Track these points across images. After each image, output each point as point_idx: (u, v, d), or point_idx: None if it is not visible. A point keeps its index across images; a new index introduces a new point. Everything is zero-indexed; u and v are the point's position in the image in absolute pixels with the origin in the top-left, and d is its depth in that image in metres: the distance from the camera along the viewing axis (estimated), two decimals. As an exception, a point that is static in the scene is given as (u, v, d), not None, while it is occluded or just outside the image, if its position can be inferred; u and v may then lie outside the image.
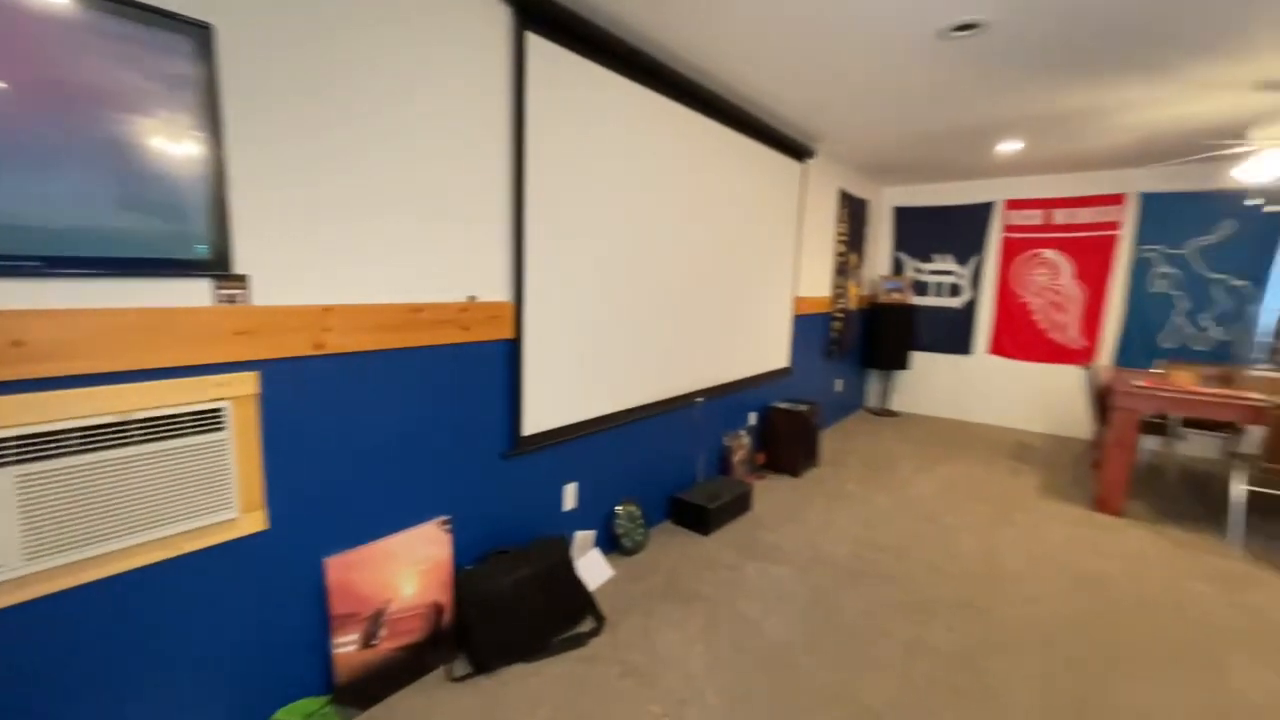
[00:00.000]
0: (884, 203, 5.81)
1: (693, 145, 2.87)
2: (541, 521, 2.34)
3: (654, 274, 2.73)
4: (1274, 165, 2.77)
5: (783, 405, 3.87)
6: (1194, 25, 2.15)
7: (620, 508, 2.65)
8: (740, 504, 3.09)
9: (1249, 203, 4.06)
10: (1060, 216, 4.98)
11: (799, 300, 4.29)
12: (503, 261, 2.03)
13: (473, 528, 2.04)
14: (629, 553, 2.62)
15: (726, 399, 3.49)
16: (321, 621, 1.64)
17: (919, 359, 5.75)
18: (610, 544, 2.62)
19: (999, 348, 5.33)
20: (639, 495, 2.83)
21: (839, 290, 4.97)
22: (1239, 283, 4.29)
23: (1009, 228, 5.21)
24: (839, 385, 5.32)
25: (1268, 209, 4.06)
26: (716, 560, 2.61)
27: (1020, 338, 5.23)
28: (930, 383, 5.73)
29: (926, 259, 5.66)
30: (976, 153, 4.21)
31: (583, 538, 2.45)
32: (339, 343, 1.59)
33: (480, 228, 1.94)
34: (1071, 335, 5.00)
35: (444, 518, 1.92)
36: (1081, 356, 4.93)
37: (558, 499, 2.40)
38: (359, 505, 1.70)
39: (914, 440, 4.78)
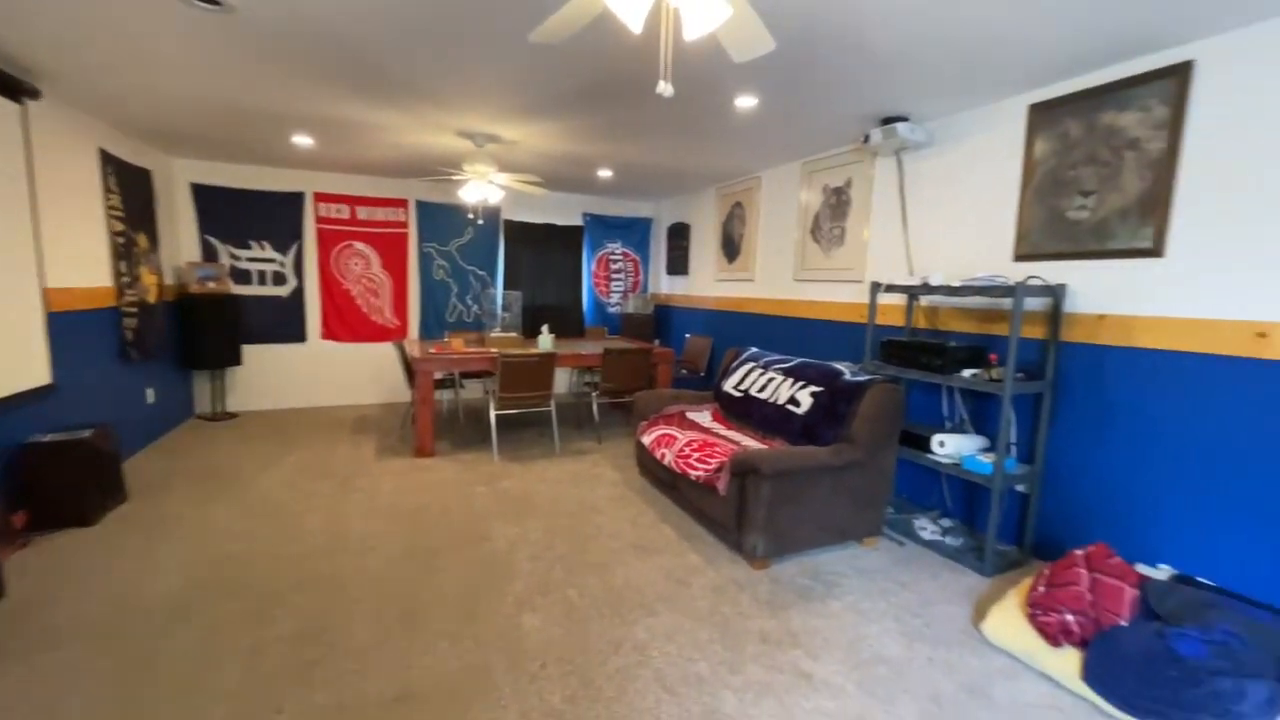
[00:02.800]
0: (177, 177, 5.00)
1: None
2: None
3: None
4: (478, 192, 4.06)
5: (48, 438, 2.85)
6: (417, 77, 2.84)
7: None
8: (-20, 595, 2.13)
9: (470, 216, 5.82)
10: (363, 213, 5.67)
11: (56, 292, 3.19)
12: None
13: None
14: None
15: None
16: None
17: (252, 352, 5.40)
18: None
19: (330, 333, 5.66)
20: None
21: (128, 279, 3.99)
22: (481, 273, 6.15)
23: (322, 219, 5.52)
24: (151, 395, 4.35)
25: (480, 222, 5.95)
26: (-65, 694, 1.72)
27: (347, 321, 5.72)
28: (269, 375, 5.51)
29: (244, 245, 5.29)
30: (276, 140, 4.20)
31: None
32: None
33: None
34: (387, 316, 5.88)
35: None
36: (396, 334, 5.89)
37: None
38: None
39: (257, 438, 4.52)
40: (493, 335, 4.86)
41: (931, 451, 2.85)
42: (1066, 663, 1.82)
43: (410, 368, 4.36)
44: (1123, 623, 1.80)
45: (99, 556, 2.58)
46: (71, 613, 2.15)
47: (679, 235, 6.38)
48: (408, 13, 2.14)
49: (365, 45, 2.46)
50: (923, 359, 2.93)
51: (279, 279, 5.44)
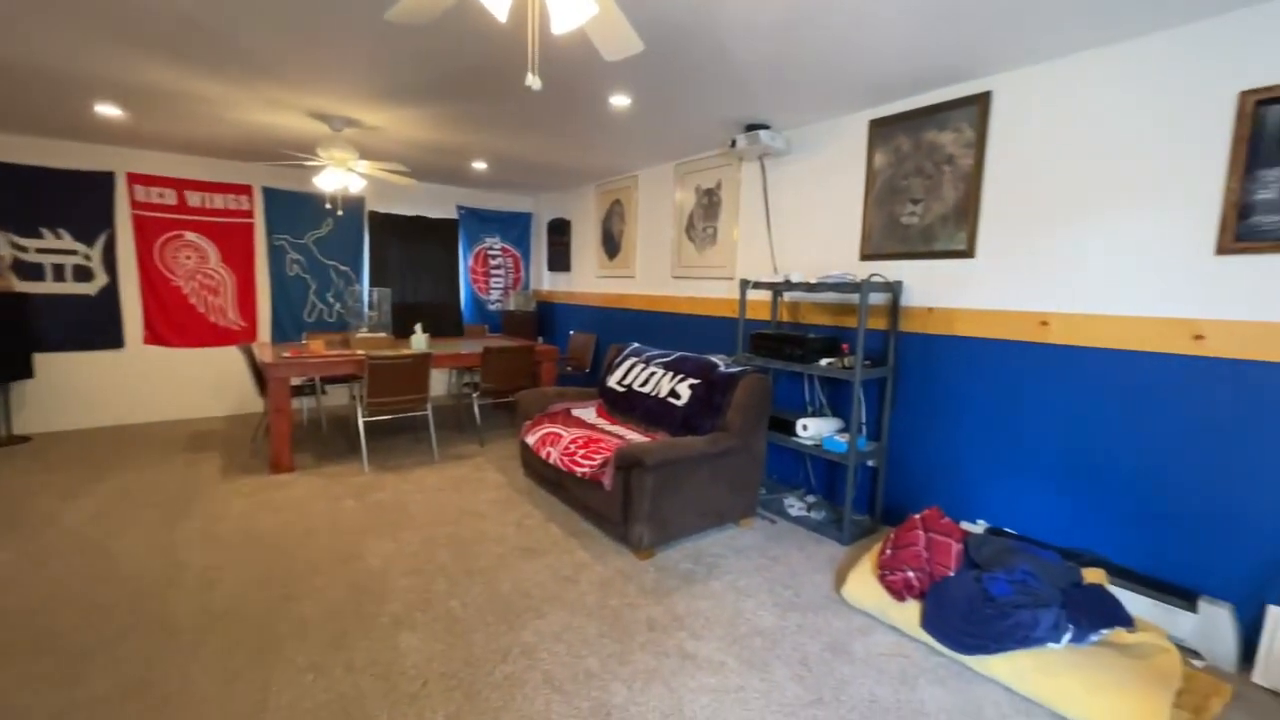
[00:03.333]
0: (-74, 147, 4.02)
1: None
2: None
3: None
4: (335, 179, 3.71)
5: None
6: (258, 48, 2.52)
7: None
8: None
9: (328, 207, 5.33)
10: (195, 199, 4.95)
11: None
12: None
13: None
14: None
15: None
16: None
17: (50, 362, 4.51)
18: None
19: (156, 336, 4.89)
20: None
21: None
22: (344, 268, 5.65)
23: (140, 205, 4.74)
24: (-104, 421, 3.47)
25: (340, 214, 5.46)
26: None
27: (178, 324, 4.98)
28: (74, 389, 4.64)
29: (32, 233, 4.39)
30: (74, 109, 3.52)
31: None
32: None
33: None
34: (231, 317, 5.20)
35: None
36: (243, 336, 5.23)
37: None
38: None
39: (59, 465, 3.79)
40: (359, 336, 4.49)
41: (796, 435, 3.10)
42: (909, 614, 2.08)
43: (261, 374, 3.90)
44: (950, 574, 2.09)
45: None
46: None
47: (560, 231, 6.33)
48: (240, -24, 1.90)
49: (183, 5, 2.14)
50: (787, 350, 3.18)
51: (83, 274, 4.59)
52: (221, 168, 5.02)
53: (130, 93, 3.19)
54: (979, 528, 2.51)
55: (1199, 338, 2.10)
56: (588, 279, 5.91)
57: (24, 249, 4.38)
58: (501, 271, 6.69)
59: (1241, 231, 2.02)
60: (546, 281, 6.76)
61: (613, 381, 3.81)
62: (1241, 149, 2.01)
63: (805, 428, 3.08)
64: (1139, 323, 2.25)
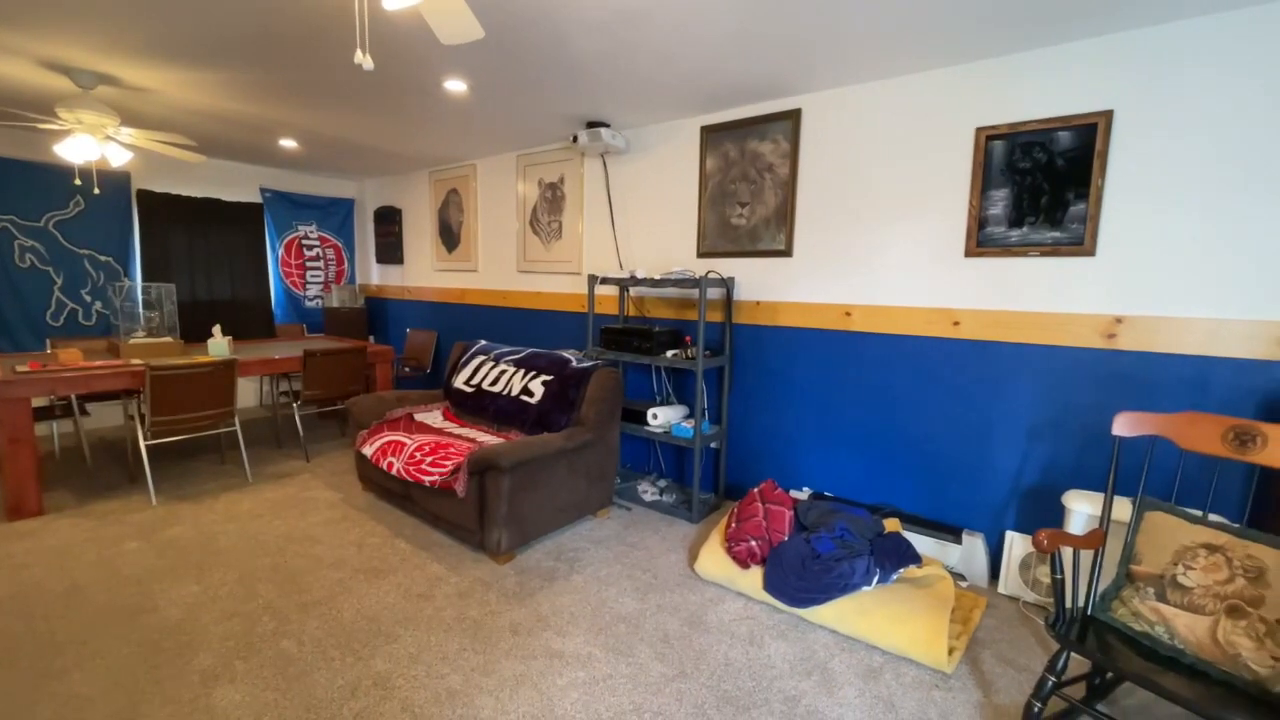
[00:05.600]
0: None
1: None
2: None
3: None
4: (86, 149, 2.99)
5: None
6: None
7: None
8: None
9: (78, 183, 4.29)
10: None
11: None
12: None
13: None
14: None
15: None
16: None
17: None
18: None
19: None
20: None
21: None
22: (103, 258, 4.59)
23: None
24: None
25: (96, 192, 4.43)
26: None
27: None
28: None
29: None
30: None
31: None
32: None
33: None
34: (-75, 322, 3.95)
35: None
36: (-51, 347, 4.01)
37: None
38: None
39: None
40: (133, 342, 3.69)
41: (648, 424, 3.24)
42: (753, 580, 2.30)
43: (-18, 396, 3.03)
44: (785, 538, 2.36)
45: None
46: None
47: (388, 220, 5.81)
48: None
49: None
50: (635, 343, 3.30)
51: None
52: (-103, 123, 3.76)
53: None
54: (805, 494, 2.86)
55: (956, 324, 2.61)
56: (424, 272, 5.53)
57: None
58: (320, 264, 5.96)
59: (981, 239, 2.54)
60: (375, 275, 6.18)
61: (459, 382, 3.62)
62: (979, 173, 2.52)
63: (655, 417, 3.22)
64: (916, 312, 2.72)
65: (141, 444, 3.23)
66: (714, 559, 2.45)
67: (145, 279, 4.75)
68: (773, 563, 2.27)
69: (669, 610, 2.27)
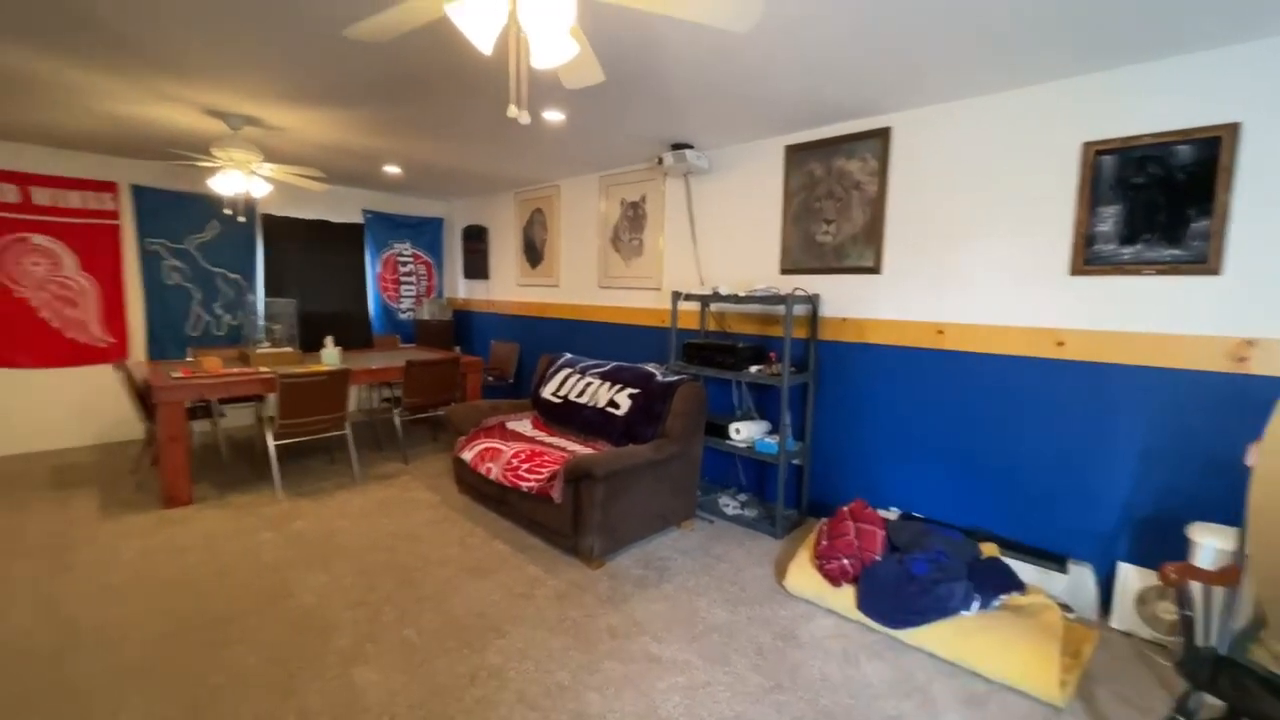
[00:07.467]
0: None
1: None
2: None
3: None
4: (235, 182, 3.40)
5: None
6: (154, 39, 2.27)
7: None
8: None
9: (227, 212, 4.84)
10: (44, 197, 4.29)
11: None
12: None
13: None
14: None
15: None
16: None
17: None
18: None
19: (1, 358, 4.19)
20: None
21: None
22: (234, 276, 5.14)
23: (-30, 202, 4.03)
24: None
25: (240, 219, 4.98)
26: None
27: (24, 341, 4.28)
28: (-117, 423, 3.85)
29: None
30: (-122, 90, 2.94)
31: None
32: None
33: None
34: (95, 333, 4.55)
35: None
36: (111, 354, 4.60)
37: None
38: None
39: (-126, 516, 3.15)
40: (260, 351, 4.12)
41: (729, 438, 3.30)
42: (846, 598, 2.31)
43: (145, 396, 3.48)
44: (878, 558, 2.35)
45: None
46: None
47: (476, 238, 6.17)
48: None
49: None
50: (718, 359, 3.37)
51: (-107, 285, 3.82)
52: (80, 161, 4.39)
53: (-26, 76, 2.74)
54: (893, 514, 2.83)
55: (1061, 344, 2.53)
56: (508, 286, 5.82)
57: None
58: (413, 279, 6.39)
59: (1089, 257, 2.46)
60: (462, 289, 6.56)
61: (547, 393, 3.81)
62: (1086, 189, 2.44)
63: (738, 431, 3.28)
64: (1014, 331, 2.65)
65: (270, 444, 3.60)
66: (804, 575, 2.47)
67: (266, 294, 5.26)
68: (866, 582, 2.28)
69: (760, 623, 2.32)
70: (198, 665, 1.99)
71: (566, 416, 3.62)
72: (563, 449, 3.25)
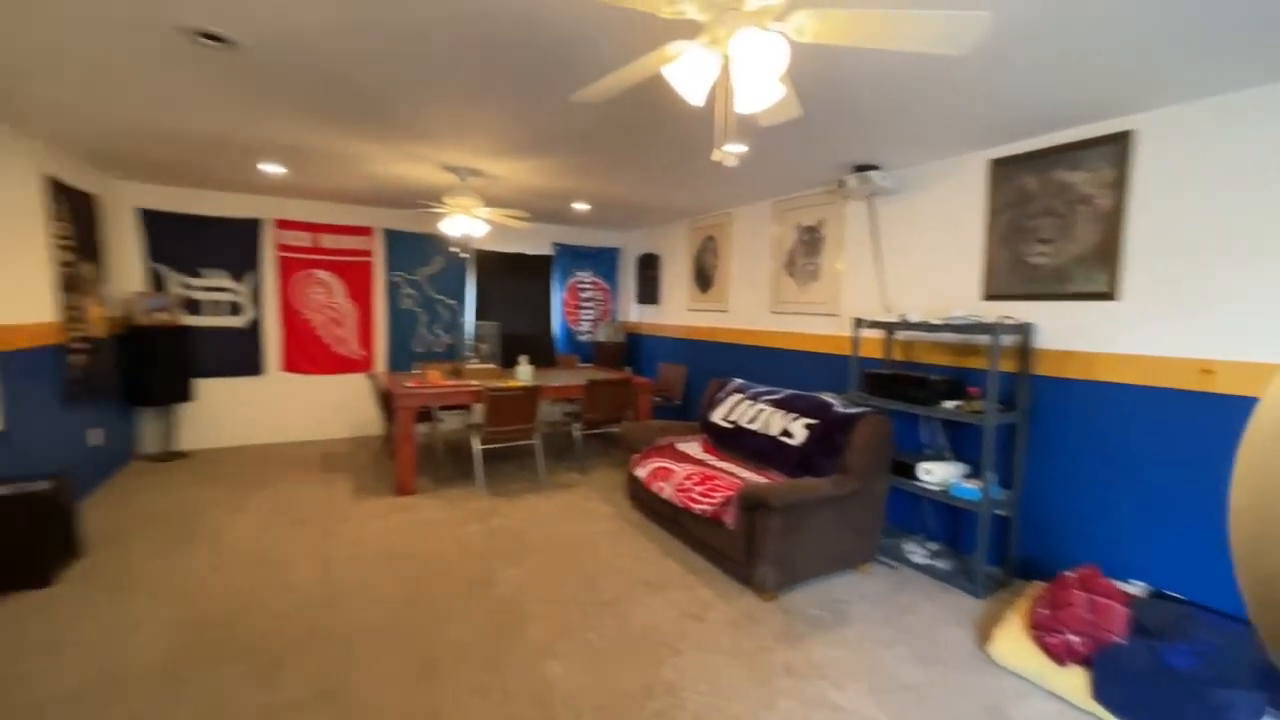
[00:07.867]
0: (124, 201, 4.67)
1: None
2: None
3: None
4: (460, 226, 4.02)
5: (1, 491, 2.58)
6: (418, 117, 2.82)
7: None
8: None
9: (452, 249, 5.74)
10: (327, 241, 5.48)
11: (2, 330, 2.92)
12: None
13: None
14: None
15: None
16: None
17: (206, 387, 5.06)
18: None
19: (292, 364, 5.39)
20: None
21: (74, 312, 3.69)
22: (451, 302, 6.04)
23: (282, 247, 5.29)
24: (97, 436, 4.01)
25: (464, 256, 5.87)
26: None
27: (309, 353, 5.47)
28: (224, 411, 5.17)
29: (195, 273, 4.99)
30: (239, 166, 4.02)
31: None
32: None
33: None
34: (353, 348, 5.66)
35: None
36: (363, 365, 5.67)
37: None
38: None
39: (218, 479, 4.23)
40: (470, 367, 4.77)
41: (918, 479, 3.02)
42: (1073, 681, 1.97)
43: (386, 400, 4.22)
44: (1120, 640, 1.97)
45: (66, 621, 2.34)
46: (51, 689, 1.94)
47: (649, 265, 6.51)
48: (429, 65, 2.14)
49: (368, 86, 2.44)
50: (907, 391, 3.12)
51: (235, 309, 5.15)
52: (349, 211, 5.53)
53: (292, 152, 3.61)
54: (1137, 589, 2.35)
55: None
56: (678, 311, 6.03)
57: (190, 287, 4.97)
58: (592, 304, 6.93)
59: None
60: (634, 313, 6.94)
61: (717, 417, 3.85)
62: None
63: (929, 472, 3.00)
64: (1326, 374, 2.07)
65: (476, 447, 4.13)
66: (1016, 645, 2.16)
67: (476, 318, 6.09)
68: (1106, 668, 1.91)
69: (960, 691, 2.07)
70: (425, 633, 2.34)
71: (737, 442, 3.61)
72: (733, 475, 3.25)
